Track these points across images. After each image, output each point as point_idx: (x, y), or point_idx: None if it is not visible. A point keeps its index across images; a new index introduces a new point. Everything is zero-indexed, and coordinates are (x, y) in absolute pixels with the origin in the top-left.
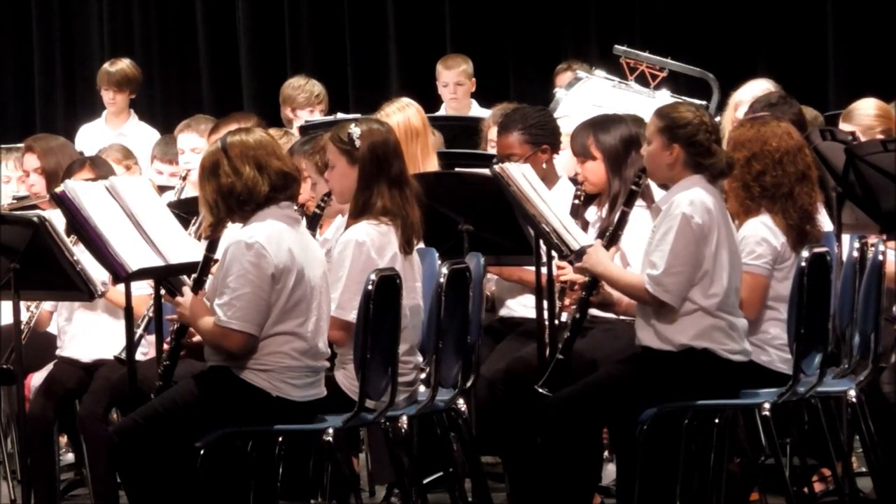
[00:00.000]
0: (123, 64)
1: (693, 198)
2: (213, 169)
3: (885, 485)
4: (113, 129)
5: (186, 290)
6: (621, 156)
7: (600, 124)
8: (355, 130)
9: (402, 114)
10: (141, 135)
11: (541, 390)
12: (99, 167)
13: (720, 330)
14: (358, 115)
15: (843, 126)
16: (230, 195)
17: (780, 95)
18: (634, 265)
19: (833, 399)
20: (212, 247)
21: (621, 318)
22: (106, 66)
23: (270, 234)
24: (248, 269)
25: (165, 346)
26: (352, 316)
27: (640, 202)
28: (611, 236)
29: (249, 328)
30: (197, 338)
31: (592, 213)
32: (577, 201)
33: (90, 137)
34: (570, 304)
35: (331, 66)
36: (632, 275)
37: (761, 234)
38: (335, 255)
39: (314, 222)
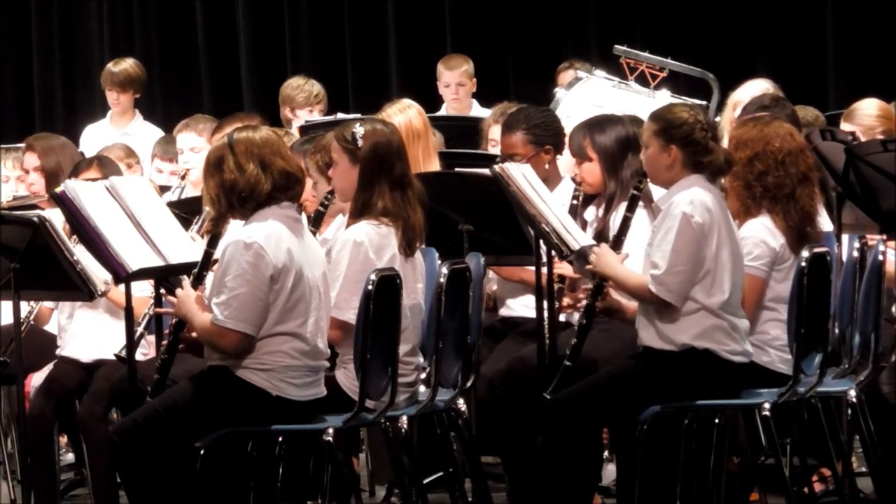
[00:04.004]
0: (126, 64)
1: (693, 197)
2: (217, 163)
3: (885, 485)
4: (117, 128)
5: (187, 284)
6: (617, 157)
7: (597, 125)
8: (359, 130)
9: (403, 115)
10: (146, 134)
11: (549, 397)
12: (106, 167)
13: (722, 330)
14: (358, 115)
15: (845, 126)
16: (232, 191)
17: (774, 97)
18: (635, 266)
19: (833, 399)
20: (213, 242)
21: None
22: (109, 66)
23: (269, 234)
24: (246, 269)
25: (164, 342)
26: (347, 315)
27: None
28: (614, 241)
29: (245, 328)
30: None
31: (591, 214)
32: (575, 202)
33: (95, 137)
34: (569, 304)
35: (331, 66)
36: (637, 276)
37: (761, 235)
38: (333, 255)
39: (318, 220)
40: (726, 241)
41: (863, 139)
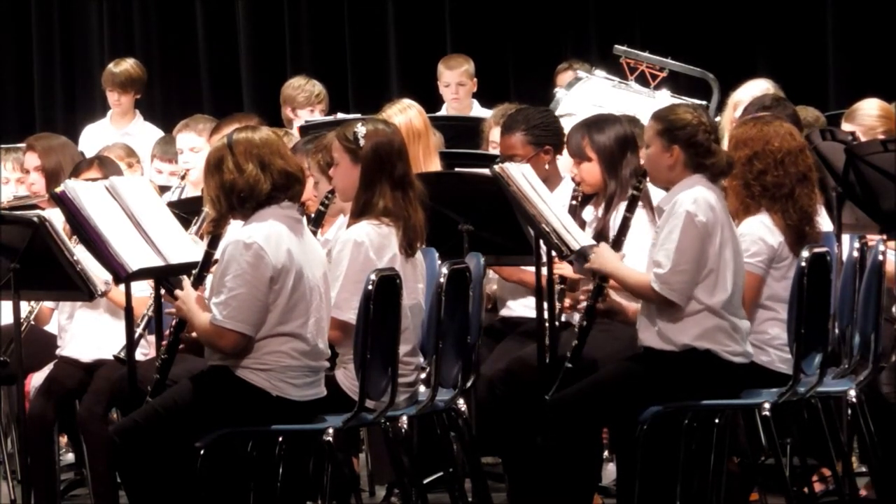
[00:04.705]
0: (127, 64)
1: (696, 196)
2: (217, 164)
3: (885, 485)
4: (117, 129)
5: (187, 283)
6: (616, 156)
7: (594, 125)
8: (360, 130)
9: (403, 115)
10: (146, 135)
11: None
12: (106, 167)
13: (723, 331)
14: (359, 115)
15: (846, 126)
16: (232, 191)
17: (775, 98)
18: (634, 266)
19: (833, 399)
20: (213, 242)
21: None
22: (110, 66)
23: (269, 235)
24: (245, 270)
25: (164, 343)
26: (347, 315)
27: None
28: (614, 242)
29: (243, 328)
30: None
31: (590, 213)
32: (574, 202)
33: (95, 137)
34: (569, 305)
35: (331, 66)
36: (639, 274)
37: (758, 232)
38: (334, 254)
39: (318, 220)
40: (729, 241)
41: (863, 139)
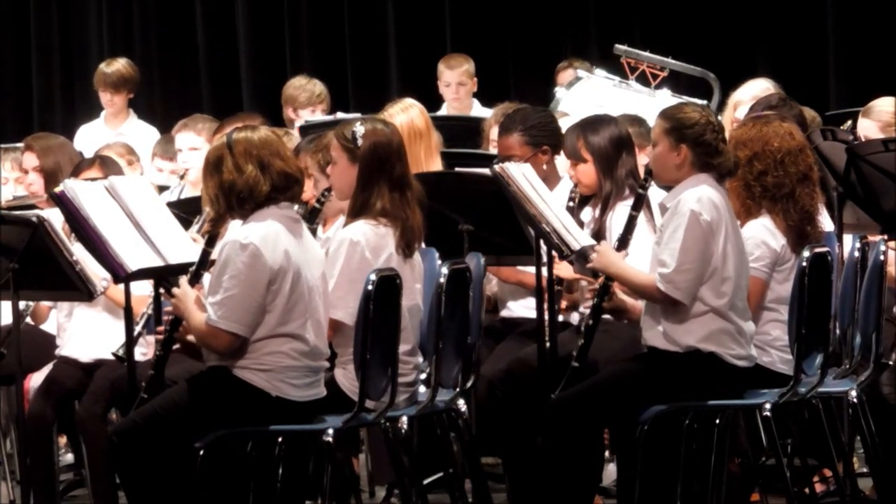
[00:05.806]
0: (119, 64)
1: (700, 195)
2: (216, 164)
3: (886, 485)
4: (112, 129)
5: (184, 282)
6: (612, 157)
7: (589, 125)
8: (359, 129)
9: (405, 114)
10: (140, 134)
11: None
12: (108, 166)
13: (728, 334)
14: (358, 115)
15: (862, 122)
16: (231, 192)
17: (781, 97)
18: (635, 265)
19: (834, 399)
20: (211, 241)
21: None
22: (102, 66)
23: (266, 235)
24: (241, 270)
25: (159, 337)
26: (340, 314)
27: (625, 203)
28: (621, 240)
29: (237, 329)
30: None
31: (587, 215)
32: (571, 203)
33: (89, 138)
34: (567, 306)
35: (331, 66)
36: (644, 274)
37: (761, 236)
38: (330, 252)
39: (314, 217)
40: (732, 239)
41: (881, 135)
